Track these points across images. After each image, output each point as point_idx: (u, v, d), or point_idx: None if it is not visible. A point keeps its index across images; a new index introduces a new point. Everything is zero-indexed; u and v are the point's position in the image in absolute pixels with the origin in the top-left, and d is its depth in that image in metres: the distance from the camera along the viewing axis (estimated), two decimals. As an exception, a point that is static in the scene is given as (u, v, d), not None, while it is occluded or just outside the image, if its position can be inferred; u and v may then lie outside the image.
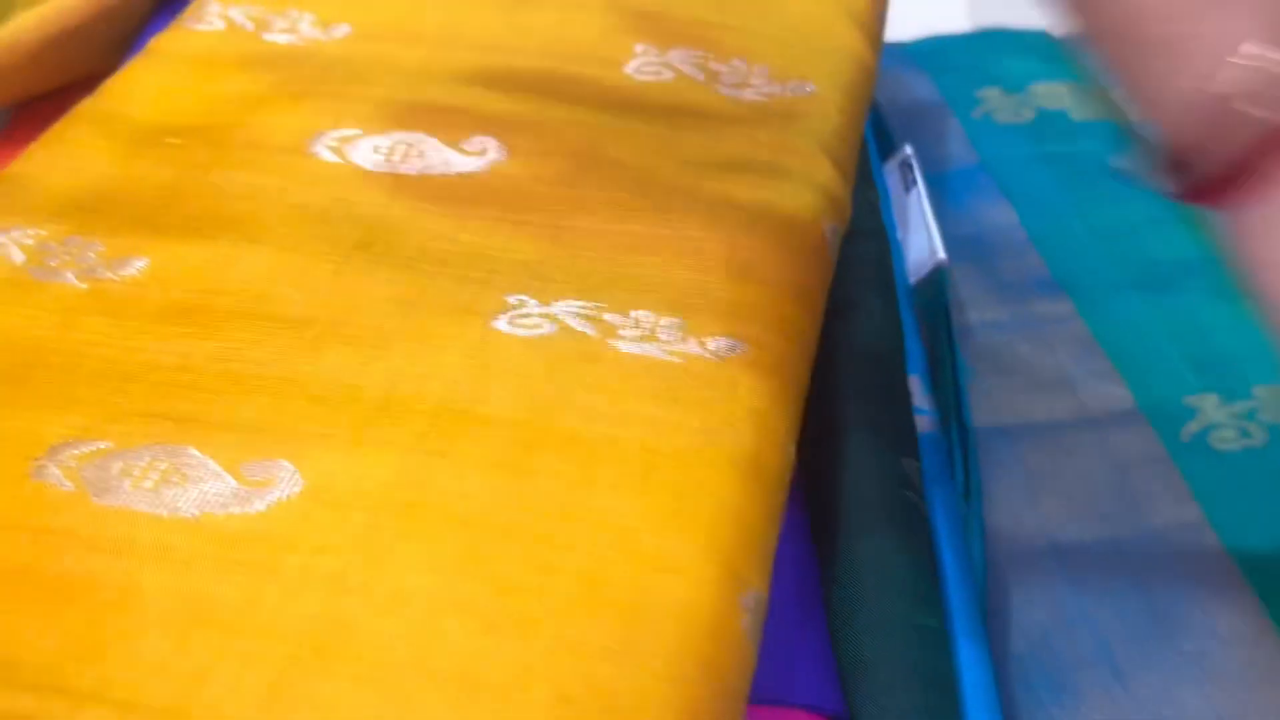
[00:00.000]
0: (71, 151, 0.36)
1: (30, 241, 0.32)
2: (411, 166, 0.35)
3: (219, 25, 0.41)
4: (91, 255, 0.32)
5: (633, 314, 0.30)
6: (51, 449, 0.26)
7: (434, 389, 0.27)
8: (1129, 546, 0.35)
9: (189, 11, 0.42)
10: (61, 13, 0.45)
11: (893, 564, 0.30)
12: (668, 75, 0.38)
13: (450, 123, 0.36)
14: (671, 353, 0.28)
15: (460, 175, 0.34)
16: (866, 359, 0.35)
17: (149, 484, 0.25)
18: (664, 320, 0.29)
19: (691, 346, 0.29)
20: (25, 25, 0.44)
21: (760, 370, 0.28)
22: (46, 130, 0.37)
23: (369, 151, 0.35)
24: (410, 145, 0.35)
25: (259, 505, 0.25)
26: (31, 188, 0.34)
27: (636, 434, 0.26)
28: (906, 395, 0.35)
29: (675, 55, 0.39)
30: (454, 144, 0.35)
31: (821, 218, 0.34)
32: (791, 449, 0.28)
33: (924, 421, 0.36)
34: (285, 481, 0.25)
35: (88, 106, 0.38)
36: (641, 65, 0.39)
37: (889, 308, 0.37)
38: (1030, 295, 0.43)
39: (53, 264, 0.31)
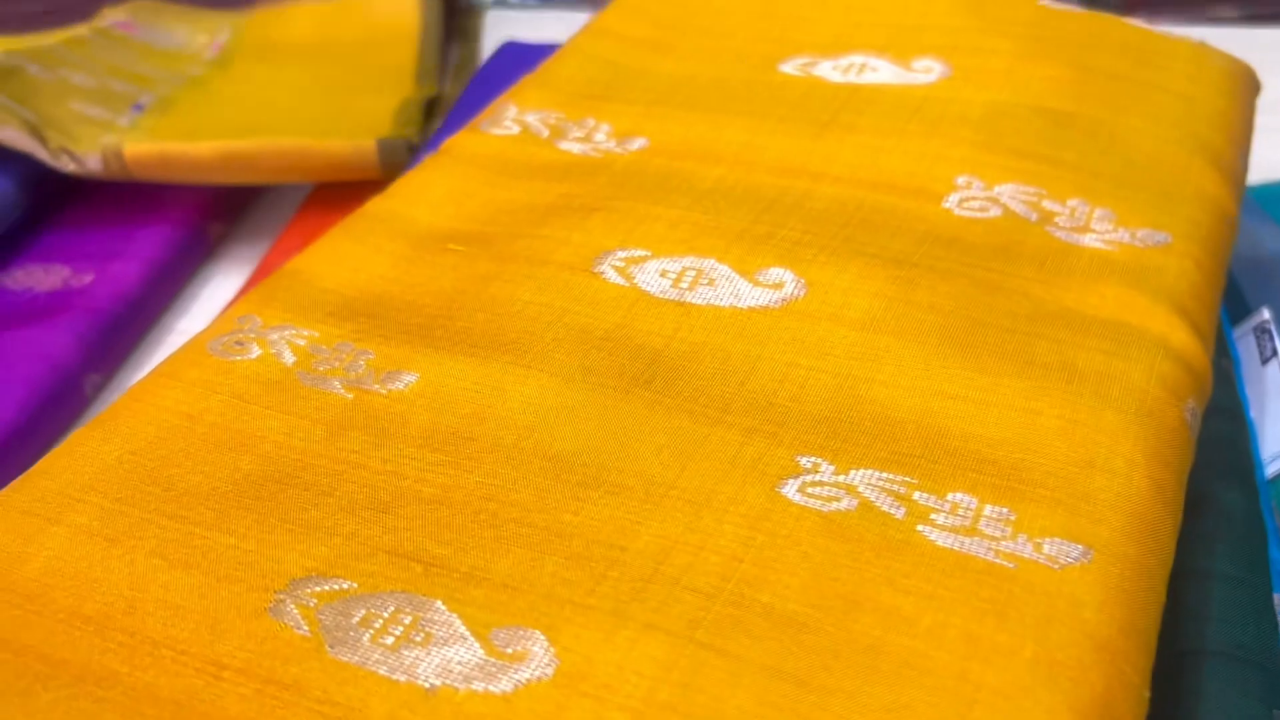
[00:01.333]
0: (353, 251, 0.34)
1: (302, 343, 0.31)
2: (699, 295, 0.31)
3: (514, 130, 0.40)
4: (361, 364, 0.30)
5: (950, 497, 0.25)
6: (293, 583, 0.24)
7: (710, 564, 0.24)
8: None
9: (486, 114, 0.41)
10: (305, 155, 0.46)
11: None
12: (994, 212, 0.34)
13: (744, 249, 0.33)
14: (998, 553, 0.24)
15: (751, 310, 0.31)
16: (1224, 571, 0.29)
17: (389, 640, 0.22)
18: (989, 509, 0.25)
19: (1023, 547, 0.24)
20: (260, 145, 0.46)
21: (1110, 587, 0.23)
22: (331, 225, 0.36)
23: (656, 275, 0.32)
24: (700, 271, 0.32)
25: (505, 685, 0.21)
26: (311, 285, 0.33)
27: (953, 655, 0.21)
28: (1274, 624, 0.28)
29: (1004, 190, 0.35)
30: (747, 273, 0.32)
31: (1180, 394, 0.28)
32: (1146, 693, 0.22)
33: (1290, 655, 0.29)
34: (538, 659, 0.22)
35: (375, 205, 0.37)
36: (964, 199, 0.34)
37: (1250, 505, 0.31)
38: None
39: (321, 369, 0.30)
